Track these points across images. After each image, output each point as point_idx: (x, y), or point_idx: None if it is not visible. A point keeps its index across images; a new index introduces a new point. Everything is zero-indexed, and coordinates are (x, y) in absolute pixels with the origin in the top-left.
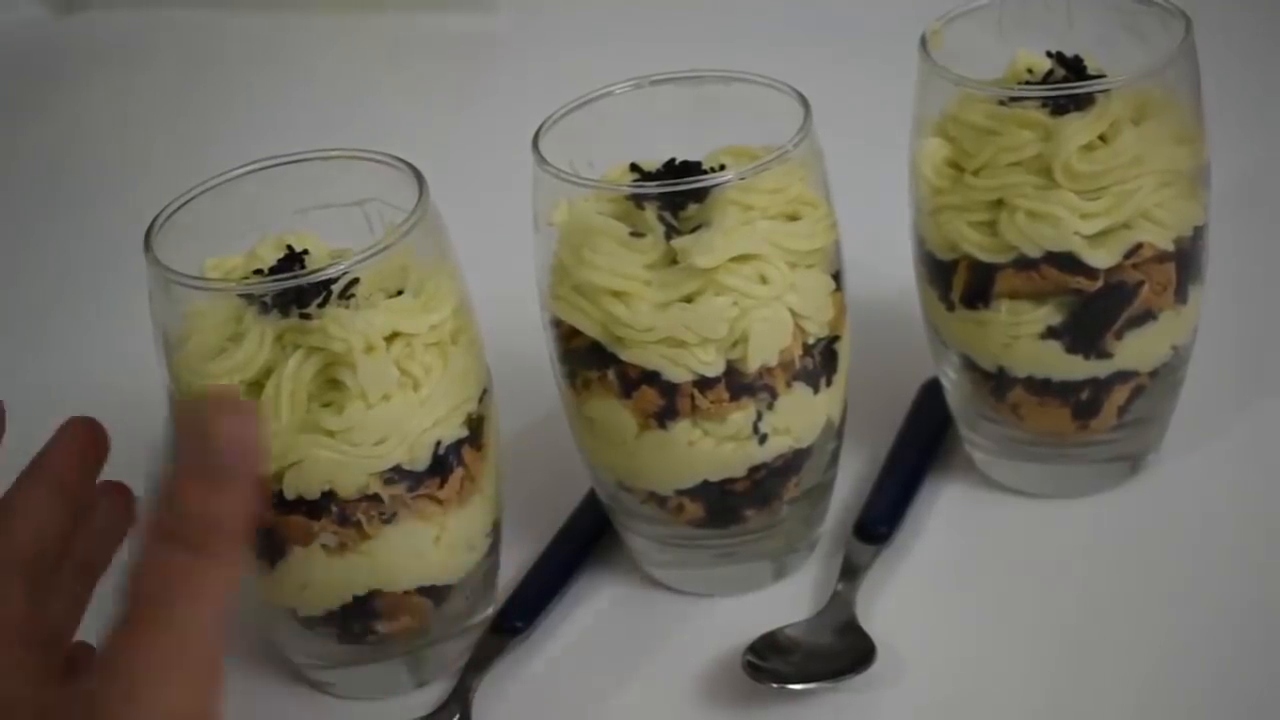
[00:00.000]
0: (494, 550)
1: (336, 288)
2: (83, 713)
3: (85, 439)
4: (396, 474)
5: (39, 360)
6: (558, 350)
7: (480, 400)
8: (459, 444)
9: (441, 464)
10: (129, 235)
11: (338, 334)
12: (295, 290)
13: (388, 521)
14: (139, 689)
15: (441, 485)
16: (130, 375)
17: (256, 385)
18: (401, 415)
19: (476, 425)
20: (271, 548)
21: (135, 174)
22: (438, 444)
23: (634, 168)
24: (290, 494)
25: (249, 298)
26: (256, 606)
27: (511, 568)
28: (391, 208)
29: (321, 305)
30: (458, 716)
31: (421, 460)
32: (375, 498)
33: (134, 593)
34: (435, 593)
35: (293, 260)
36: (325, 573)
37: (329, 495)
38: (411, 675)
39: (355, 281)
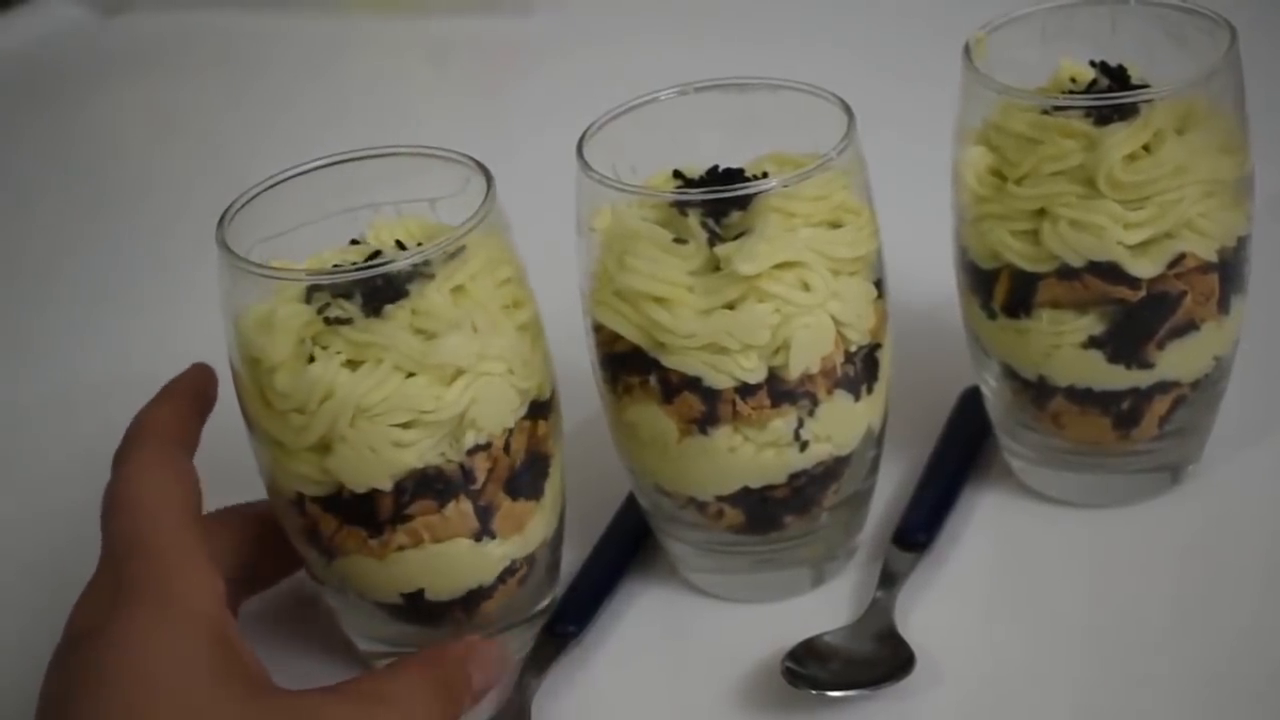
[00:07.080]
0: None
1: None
2: None
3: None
4: None
5: (84, 358)
6: (599, 355)
7: None
8: None
9: None
10: (174, 234)
11: (501, 256)
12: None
13: None
14: None
15: None
16: (175, 369)
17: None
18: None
19: None
20: (534, 481)
21: (179, 175)
22: None
23: (677, 174)
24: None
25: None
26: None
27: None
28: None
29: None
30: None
31: None
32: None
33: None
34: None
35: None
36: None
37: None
38: None
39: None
